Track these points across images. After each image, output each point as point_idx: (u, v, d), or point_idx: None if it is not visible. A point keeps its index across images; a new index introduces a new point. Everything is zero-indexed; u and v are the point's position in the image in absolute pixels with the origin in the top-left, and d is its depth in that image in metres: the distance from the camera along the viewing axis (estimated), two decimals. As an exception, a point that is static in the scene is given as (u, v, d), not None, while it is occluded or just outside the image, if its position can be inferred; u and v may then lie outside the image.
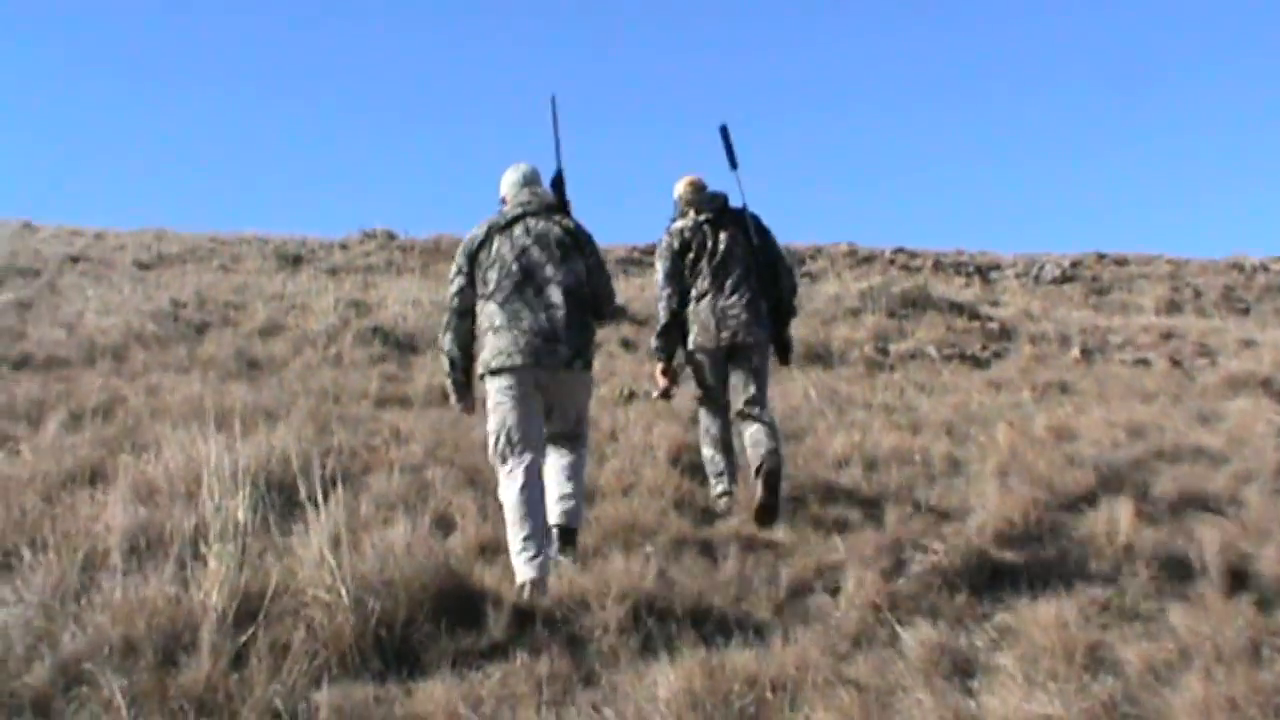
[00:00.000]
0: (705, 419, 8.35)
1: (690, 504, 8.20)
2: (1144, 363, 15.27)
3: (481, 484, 8.29)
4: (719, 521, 8.00)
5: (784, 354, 8.55)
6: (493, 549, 7.06)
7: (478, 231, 6.93)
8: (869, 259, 24.98)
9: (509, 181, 7.16)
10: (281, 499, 7.05)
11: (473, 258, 6.87)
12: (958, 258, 25.55)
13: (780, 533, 7.79)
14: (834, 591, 6.74)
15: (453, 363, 7.02)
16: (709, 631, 6.12)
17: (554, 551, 6.63)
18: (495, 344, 6.66)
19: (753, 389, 8.13)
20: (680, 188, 8.46)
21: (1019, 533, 7.76)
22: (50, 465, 7.97)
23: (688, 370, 8.56)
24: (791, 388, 12.29)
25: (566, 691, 5.53)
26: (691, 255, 8.20)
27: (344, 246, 23.27)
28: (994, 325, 16.67)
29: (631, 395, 11.17)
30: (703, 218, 8.29)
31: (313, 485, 6.31)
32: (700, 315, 8.14)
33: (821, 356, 14.60)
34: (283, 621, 5.66)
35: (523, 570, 6.32)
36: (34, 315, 13.95)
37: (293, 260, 21.07)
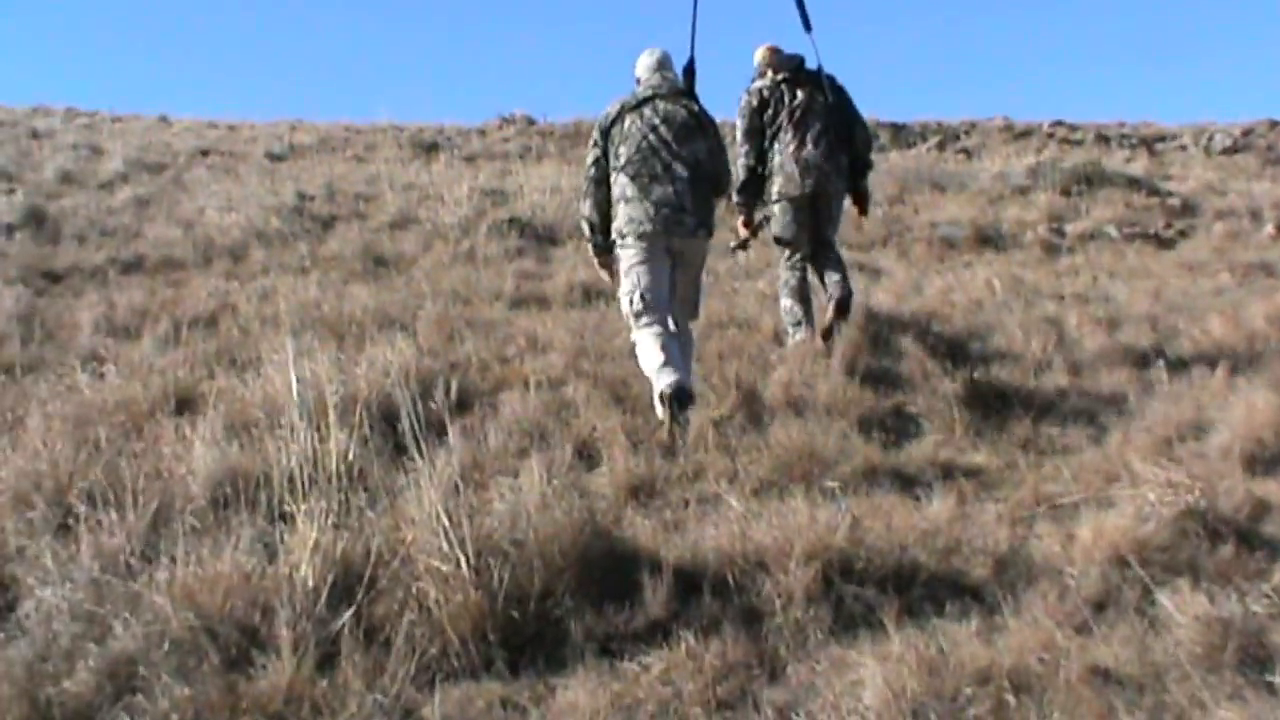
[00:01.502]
0: (785, 270, 8.44)
1: (878, 424, 6.80)
2: (1349, 238, 13.53)
3: (630, 402, 7.02)
4: (910, 444, 6.62)
5: (863, 205, 8.74)
6: (647, 491, 5.78)
7: (611, 109, 7.17)
8: (1026, 133, 23.16)
9: (643, 65, 7.42)
10: (398, 433, 5.75)
11: (606, 133, 7.12)
12: (1120, 130, 23.64)
13: (983, 455, 6.42)
14: (1065, 540, 5.29)
15: (592, 226, 7.24)
16: (916, 598, 4.76)
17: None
18: (628, 213, 6.92)
19: (828, 233, 8.37)
20: (759, 53, 8.58)
21: (1273, 454, 6.22)
22: (136, 390, 6.78)
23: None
24: (968, 277, 10.81)
25: (744, 689, 4.17)
26: (770, 112, 8.35)
27: (482, 133, 22.08)
28: (1175, 201, 14.94)
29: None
30: (780, 76, 8.42)
31: (431, 416, 5.04)
32: (785, 166, 8.26)
33: (992, 239, 13.06)
34: (387, 601, 4.40)
35: (661, 382, 6.50)
36: (153, 213, 12.84)
37: (429, 148, 19.87)
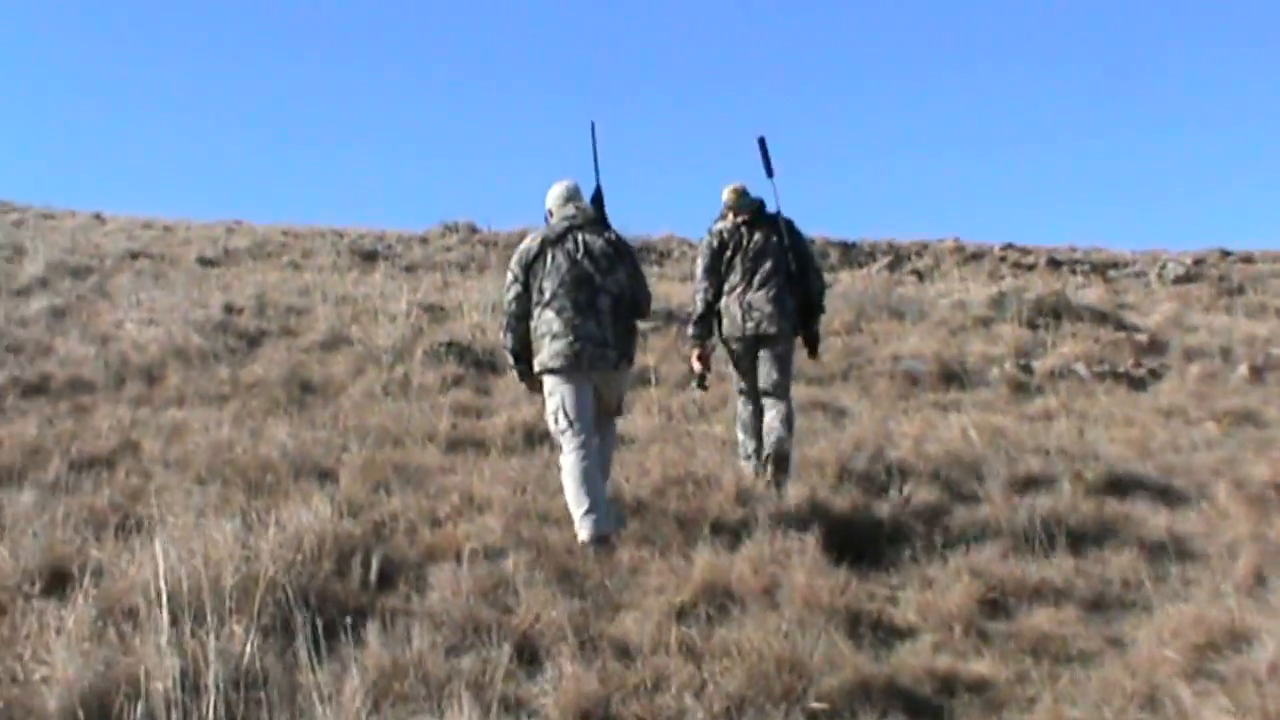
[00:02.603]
0: (740, 407, 8.46)
1: (866, 620, 5.82)
2: (1325, 383, 12.76)
3: (579, 579, 6.05)
4: (903, 646, 5.64)
5: (813, 347, 8.66)
6: (599, 712, 4.76)
7: (531, 244, 7.18)
8: (977, 255, 22.54)
9: (554, 196, 7.41)
10: (310, 614, 4.76)
11: (528, 267, 7.12)
12: (1071, 254, 23.04)
13: (988, 663, 5.47)
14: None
15: (517, 357, 7.24)
16: None
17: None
18: (553, 348, 6.92)
19: (775, 375, 8.25)
20: (725, 193, 8.59)
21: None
22: (3, 559, 5.65)
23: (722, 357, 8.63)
24: (939, 422, 9.91)
25: None
26: (728, 253, 8.41)
27: (424, 240, 21.18)
28: (1142, 337, 14.12)
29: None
30: (740, 219, 8.48)
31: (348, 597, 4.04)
32: (730, 308, 8.33)
33: (957, 375, 12.16)
34: None
35: (584, 531, 6.56)
36: (68, 325, 11.73)
37: (367, 256, 18.92)
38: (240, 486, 7.03)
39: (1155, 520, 7.36)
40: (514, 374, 7.52)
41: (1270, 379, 12.83)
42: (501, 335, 7.46)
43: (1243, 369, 13.02)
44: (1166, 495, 8.02)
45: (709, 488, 7.59)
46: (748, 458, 8.20)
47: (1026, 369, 12.50)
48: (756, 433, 8.23)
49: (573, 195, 7.39)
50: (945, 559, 6.51)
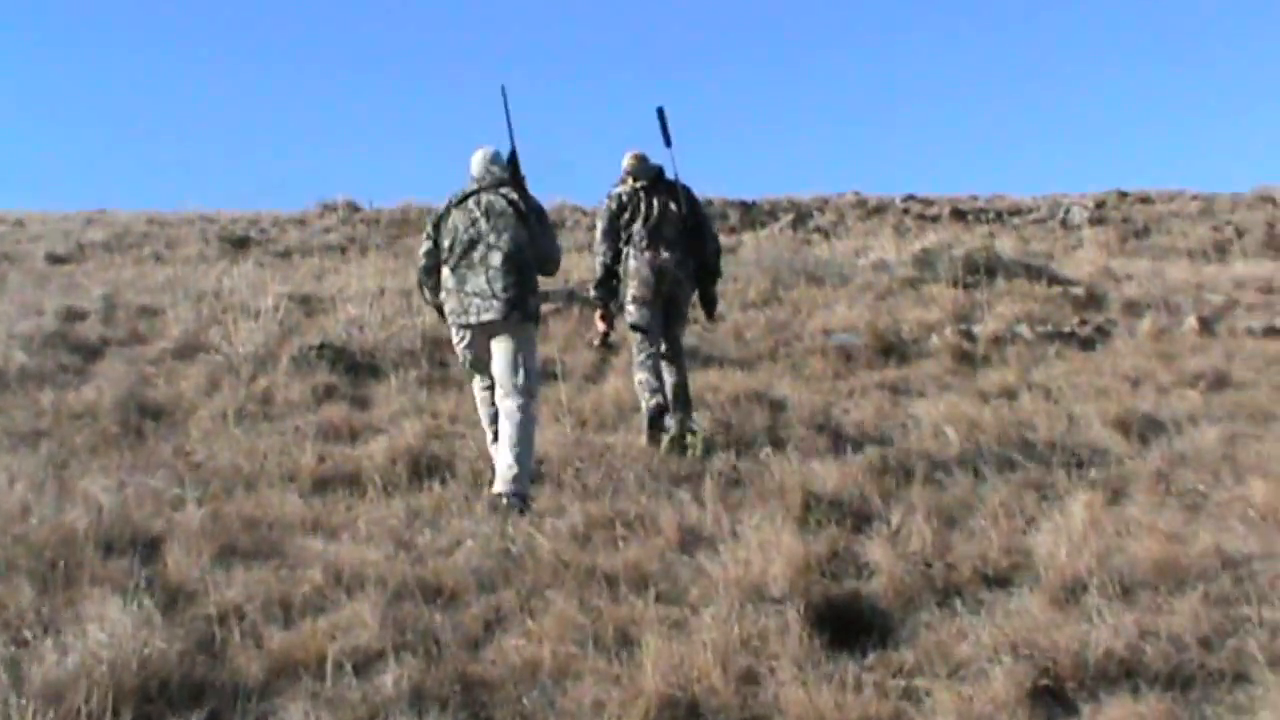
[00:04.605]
0: (639, 354, 8.16)
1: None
2: (1276, 332, 11.29)
3: (483, 701, 4.17)
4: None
5: (710, 309, 8.64)
6: None
7: (442, 205, 7.25)
8: (879, 209, 20.86)
9: (473, 161, 7.39)
10: None
11: (437, 227, 7.18)
12: (974, 204, 21.50)
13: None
14: None
15: (436, 307, 7.34)
16: None
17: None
18: (449, 304, 7.03)
19: (678, 330, 8.32)
20: (626, 159, 8.48)
21: None
22: None
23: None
24: (891, 410, 8.22)
25: None
26: (627, 216, 8.29)
27: (301, 222, 18.99)
28: (1079, 291, 12.50)
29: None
30: (640, 184, 8.35)
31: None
32: (641, 271, 8.14)
33: (895, 347, 10.41)
34: None
35: (497, 484, 6.48)
36: None
37: (238, 243, 16.73)
38: (28, 577, 5.03)
39: (1201, 537, 5.60)
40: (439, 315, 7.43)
41: (1220, 330, 11.32)
42: (419, 290, 7.66)
43: (1191, 321, 11.49)
44: (1194, 501, 6.29)
45: (644, 530, 5.74)
46: (653, 391, 7.93)
47: (968, 335, 10.80)
48: (658, 373, 8.05)
49: (489, 160, 7.34)
50: (969, 623, 4.71)
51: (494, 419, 6.92)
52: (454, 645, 4.60)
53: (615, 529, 5.75)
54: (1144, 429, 7.74)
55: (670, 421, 7.77)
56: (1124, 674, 4.32)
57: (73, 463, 6.96)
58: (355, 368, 9.37)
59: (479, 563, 5.39)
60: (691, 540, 5.64)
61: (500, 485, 6.46)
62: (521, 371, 6.87)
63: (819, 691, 4.11)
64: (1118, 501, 6.19)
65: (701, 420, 7.94)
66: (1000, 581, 5.19)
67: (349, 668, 4.34)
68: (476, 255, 6.92)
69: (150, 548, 5.52)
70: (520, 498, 6.38)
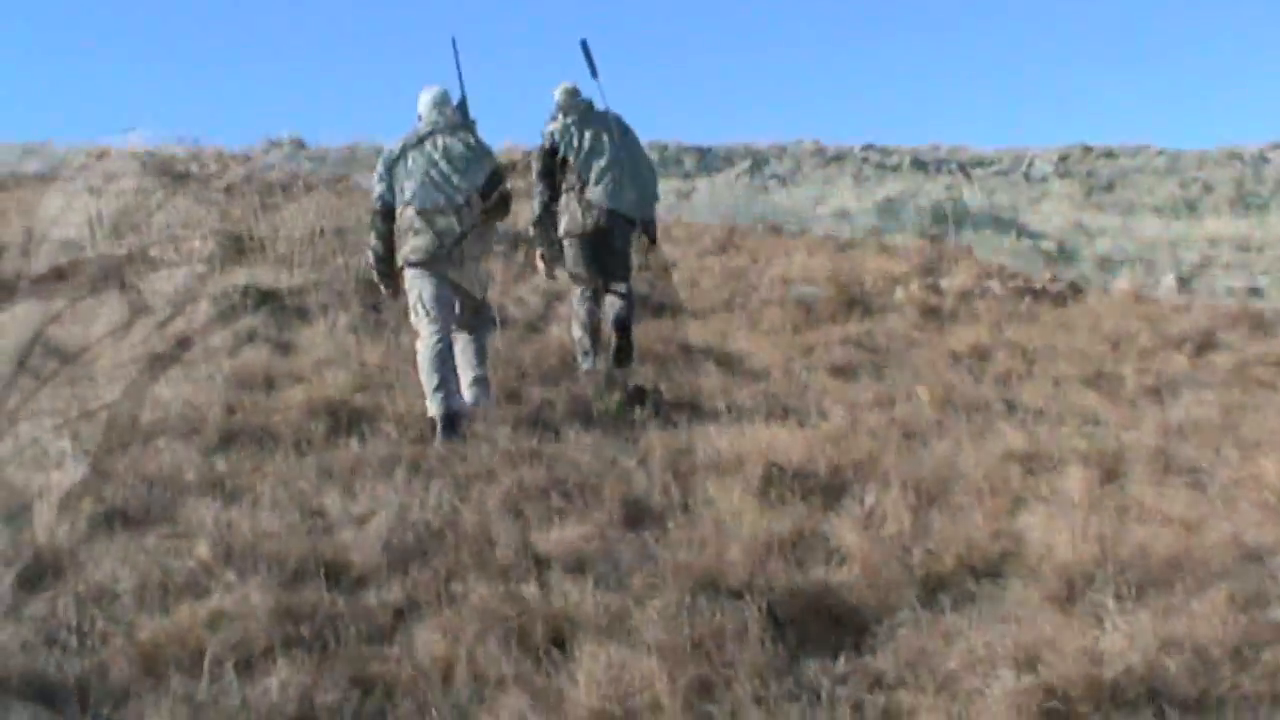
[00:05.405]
0: (577, 303, 8.10)
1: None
2: (1256, 292, 10.72)
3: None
4: None
5: (651, 233, 8.40)
6: None
7: (394, 147, 7.10)
8: (838, 158, 20.13)
9: (423, 102, 7.30)
10: None
11: (391, 169, 7.02)
12: (935, 153, 20.80)
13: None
14: None
15: (379, 257, 7.06)
16: None
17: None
18: (414, 243, 6.85)
19: (618, 271, 8.02)
20: (556, 93, 8.40)
21: None
22: None
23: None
24: (876, 381, 7.53)
25: None
26: (560, 153, 8.15)
27: (245, 159, 18.04)
28: (1049, 245, 11.85)
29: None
30: (570, 119, 8.21)
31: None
32: (570, 205, 8.05)
33: (858, 300, 9.70)
34: None
35: (434, 408, 6.40)
36: None
37: (179, 178, 15.78)
38: None
39: (1215, 524, 4.90)
40: (375, 275, 7.18)
41: (1199, 288, 10.72)
42: (366, 235, 7.39)
43: (1170, 280, 10.89)
44: (1198, 480, 5.59)
45: (584, 501, 5.01)
46: (585, 353, 7.87)
47: (935, 289, 10.12)
48: (595, 330, 7.95)
49: (440, 101, 7.26)
50: (956, 624, 4.00)
51: (443, 360, 6.63)
52: (355, 640, 3.86)
53: (551, 500, 5.01)
54: (1133, 395, 7.10)
55: (598, 364, 7.71)
56: (1145, 695, 3.59)
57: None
58: (283, 308, 8.55)
59: (393, 537, 4.64)
60: (636, 515, 4.91)
61: (468, 395, 6.67)
62: (488, 310, 7.28)
63: (783, 710, 3.40)
64: (1114, 480, 5.47)
65: (646, 373, 7.54)
66: (989, 572, 4.47)
67: (229, 667, 3.62)
68: (442, 197, 6.88)
69: (16, 517, 4.75)
70: (478, 405, 6.62)
